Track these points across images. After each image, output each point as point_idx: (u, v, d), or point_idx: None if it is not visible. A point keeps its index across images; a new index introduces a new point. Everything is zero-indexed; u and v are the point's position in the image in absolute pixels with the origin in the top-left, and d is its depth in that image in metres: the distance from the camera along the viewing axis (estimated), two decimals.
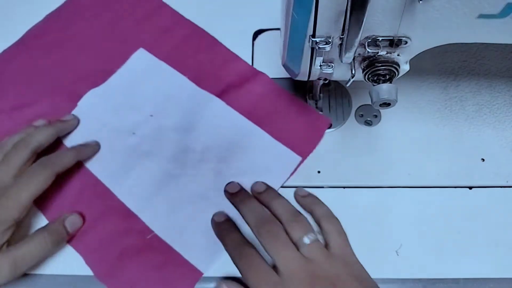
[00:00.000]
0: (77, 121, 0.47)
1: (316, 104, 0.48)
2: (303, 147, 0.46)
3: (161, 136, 0.47)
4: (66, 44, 0.54)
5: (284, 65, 0.39)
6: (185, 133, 0.47)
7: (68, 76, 0.51)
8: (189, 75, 0.51)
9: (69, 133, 0.47)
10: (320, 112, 0.47)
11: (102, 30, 0.54)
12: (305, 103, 0.48)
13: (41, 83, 0.51)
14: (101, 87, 0.50)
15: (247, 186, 0.44)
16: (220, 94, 0.49)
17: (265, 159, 0.45)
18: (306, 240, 0.37)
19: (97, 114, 0.49)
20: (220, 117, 0.48)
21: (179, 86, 0.50)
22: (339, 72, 0.37)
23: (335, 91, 0.49)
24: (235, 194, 0.43)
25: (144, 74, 0.51)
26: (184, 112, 0.49)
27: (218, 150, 0.46)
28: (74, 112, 0.49)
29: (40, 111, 0.49)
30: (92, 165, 0.46)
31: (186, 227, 0.43)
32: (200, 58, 0.52)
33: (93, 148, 0.46)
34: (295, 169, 0.45)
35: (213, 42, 0.53)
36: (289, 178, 0.45)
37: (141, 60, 0.52)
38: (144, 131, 0.48)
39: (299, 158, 0.45)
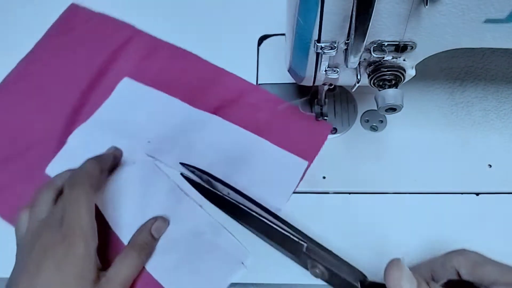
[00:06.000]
0: (120, 152, 0.46)
1: (321, 109, 0.47)
2: (308, 151, 0.46)
3: (160, 162, 0.46)
4: (47, 86, 0.53)
5: (289, 70, 0.39)
6: (186, 154, 0.46)
7: (54, 118, 0.50)
8: (180, 96, 0.50)
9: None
10: (325, 118, 0.47)
11: (81, 67, 0.53)
12: (305, 113, 0.48)
13: (27, 130, 0.50)
14: (88, 121, 0.49)
15: (258, 197, 0.43)
16: (216, 111, 0.49)
17: (272, 168, 0.45)
18: None
19: (90, 148, 0.45)
20: (220, 133, 0.47)
21: (172, 109, 0.49)
22: (345, 77, 0.37)
23: (340, 96, 0.49)
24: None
25: (134, 102, 0.50)
26: (182, 133, 0.48)
27: (223, 166, 0.45)
28: (64, 149, 0.47)
29: (31, 160, 0.48)
30: None
31: (178, 267, 0.41)
32: (187, 78, 0.52)
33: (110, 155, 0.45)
34: (304, 174, 0.45)
35: (198, 60, 0.53)
36: (299, 183, 0.44)
37: (128, 89, 0.51)
38: (143, 158, 0.46)
39: (306, 163, 0.45)
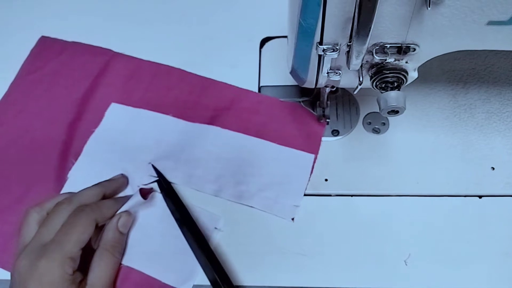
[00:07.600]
0: (126, 179, 0.45)
1: (323, 111, 0.47)
2: (311, 144, 0.46)
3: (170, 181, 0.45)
4: (31, 130, 0.50)
5: (291, 73, 0.39)
6: (192, 169, 0.46)
7: (46, 158, 0.47)
8: (172, 112, 0.49)
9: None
10: (327, 120, 0.47)
11: (63, 101, 0.51)
12: (295, 103, 0.49)
13: (21, 177, 0.47)
14: (84, 153, 0.47)
15: (273, 199, 0.43)
16: (211, 121, 0.48)
17: (281, 167, 0.45)
18: None
19: (92, 178, 0.44)
20: (221, 142, 0.47)
21: (166, 127, 0.49)
22: (347, 80, 0.37)
23: (343, 99, 0.49)
24: None
25: (126, 127, 0.49)
26: (183, 149, 0.47)
27: (232, 174, 0.45)
28: (67, 185, 0.46)
29: (31, 204, 0.42)
30: None
31: (155, 251, 0.41)
32: (175, 93, 0.51)
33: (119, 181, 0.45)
34: (313, 167, 0.45)
35: (182, 74, 0.52)
36: (310, 178, 0.45)
37: (117, 114, 0.50)
38: (149, 180, 0.45)
39: (312, 156, 0.46)
